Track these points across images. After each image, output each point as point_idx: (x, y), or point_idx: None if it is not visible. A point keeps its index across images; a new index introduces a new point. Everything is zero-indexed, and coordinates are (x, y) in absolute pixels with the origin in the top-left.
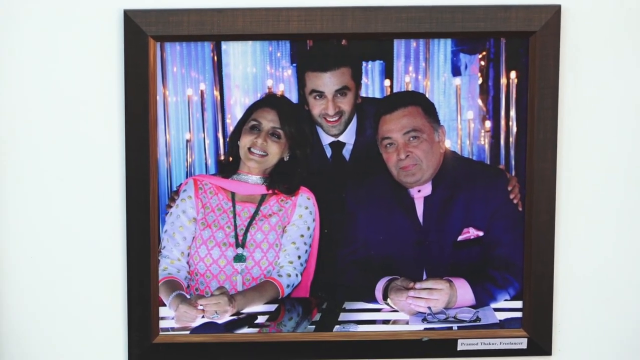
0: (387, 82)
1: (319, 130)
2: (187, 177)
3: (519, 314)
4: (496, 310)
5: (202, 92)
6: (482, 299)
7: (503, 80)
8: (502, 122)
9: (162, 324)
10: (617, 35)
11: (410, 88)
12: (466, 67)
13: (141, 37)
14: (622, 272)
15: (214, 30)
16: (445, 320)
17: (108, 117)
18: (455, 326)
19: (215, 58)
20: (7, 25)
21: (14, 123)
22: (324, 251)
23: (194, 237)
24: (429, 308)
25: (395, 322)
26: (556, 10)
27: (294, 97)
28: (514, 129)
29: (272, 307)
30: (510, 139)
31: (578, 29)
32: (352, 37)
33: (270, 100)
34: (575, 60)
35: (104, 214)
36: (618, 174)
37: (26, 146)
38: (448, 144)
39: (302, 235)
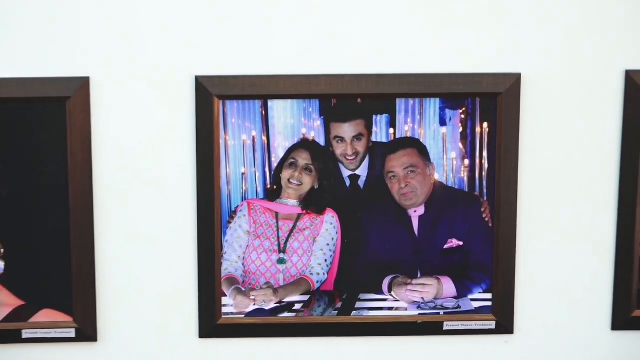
0: (391, 130)
1: (341, 166)
2: (242, 201)
3: (489, 303)
4: (472, 300)
5: (253, 137)
6: (462, 292)
7: (478, 130)
8: (477, 161)
9: (224, 309)
10: (564, 95)
11: (409, 135)
12: (450, 119)
13: (208, 96)
14: (568, 272)
15: (262, 92)
16: (434, 308)
17: (184, 156)
18: (441, 312)
19: (263, 112)
20: (109, 87)
21: (115, 161)
22: (344, 256)
23: (247, 245)
24: (422, 298)
25: (397, 309)
26: (517, 77)
27: (322, 141)
28: (485, 165)
29: (305, 298)
30: (483, 173)
31: (534, 91)
32: (365, 97)
33: (304, 144)
34: (531, 114)
35: (181, 228)
36: (566, 200)
37: (125, 179)
38: (437, 176)
39: (327, 244)
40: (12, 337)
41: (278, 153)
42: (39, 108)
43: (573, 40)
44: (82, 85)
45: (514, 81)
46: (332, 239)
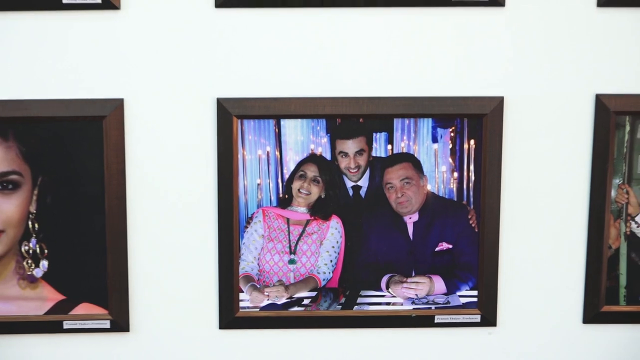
0: (389, 147)
1: (345, 178)
2: (257, 208)
3: (475, 299)
4: (460, 296)
5: (267, 152)
6: (451, 289)
7: (465, 146)
8: (465, 173)
9: (241, 304)
10: (542, 116)
11: (404, 150)
12: (441, 137)
13: (228, 116)
14: (544, 271)
15: (275, 112)
16: (427, 303)
17: (207, 167)
18: (433, 307)
19: (277, 130)
20: (141, 107)
21: (145, 171)
22: (347, 257)
23: (262, 247)
24: (416, 295)
25: (394, 304)
26: (500, 100)
27: (328, 156)
28: (472, 177)
29: (313, 294)
30: (470, 184)
31: (515, 112)
32: (366, 117)
33: (312, 158)
34: (513, 132)
35: (204, 232)
36: (543, 208)
37: (155, 188)
38: (429, 187)
39: (332, 247)
40: (54, 327)
41: (289, 166)
42: (80, 125)
43: (549, 67)
44: (117, 106)
45: (497, 103)
46: (337, 242)
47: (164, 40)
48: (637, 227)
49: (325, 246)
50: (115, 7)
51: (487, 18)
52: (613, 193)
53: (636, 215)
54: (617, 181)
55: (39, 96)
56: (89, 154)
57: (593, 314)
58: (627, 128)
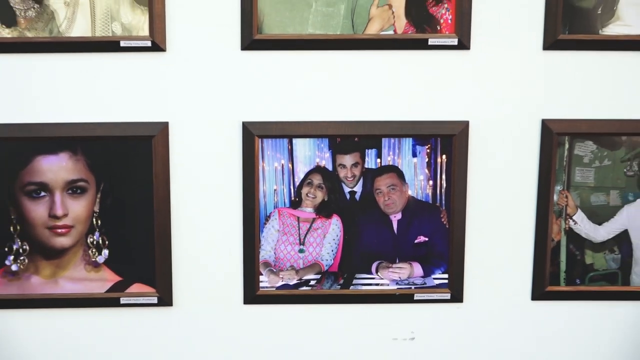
0: (378, 160)
1: (343, 185)
2: (274, 209)
3: (446, 281)
4: (434, 278)
5: (282, 164)
6: (427, 273)
7: (439, 160)
8: (438, 182)
9: (261, 284)
10: (499, 136)
11: (390, 163)
12: (419, 152)
13: (251, 135)
14: (501, 258)
15: (288, 133)
16: (408, 284)
17: (234, 176)
18: (412, 287)
19: (289, 147)
20: (182, 128)
21: (185, 179)
22: (345, 247)
23: (277, 240)
24: (399, 277)
25: (381, 284)
26: (466, 124)
27: (330, 167)
28: (444, 185)
29: (318, 276)
30: (442, 190)
31: (478, 133)
32: (360, 137)
33: (317, 169)
34: (476, 149)
35: (232, 227)
36: (500, 209)
37: (193, 192)
38: (410, 192)
39: (333, 239)
40: (113, 302)
41: (299, 175)
42: (134, 143)
43: (505, 98)
44: (163, 127)
45: (463, 127)
46: (337, 235)
47: (200, 76)
48: (574, 224)
49: (328, 239)
50: (162, 49)
51: (455, 58)
52: (555, 197)
53: (573, 215)
54: (558, 188)
55: (101, 119)
56: (140, 166)
57: (539, 292)
58: (566, 146)
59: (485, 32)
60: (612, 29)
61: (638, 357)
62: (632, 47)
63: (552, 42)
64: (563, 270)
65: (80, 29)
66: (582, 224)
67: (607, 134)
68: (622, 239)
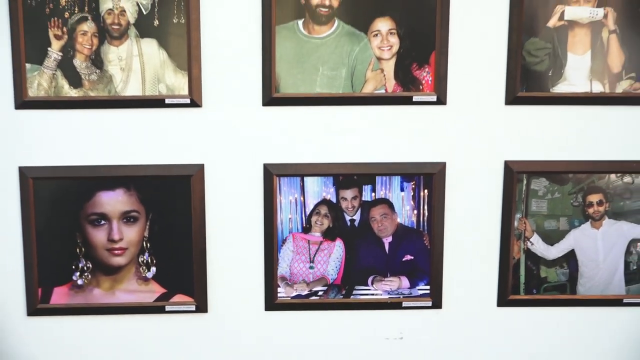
0: (373, 194)
1: (345, 214)
2: (289, 233)
3: (428, 291)
4: (419, 289)
5: (295, 198)
6: (413, 285)
7: (422, 194)
8: (421, 211)
9: (279, 294)
10: (469, 175)
11: (383, 196)
12: (406, 188)
13: (270, 174)
14: (473, 272)
15: (301, 172)
16: (397, 294)
17: (257, 207)
18: (401, 296)
19: (302, 184)
20: (215, 169)
21: (218, 211)
22: (347, 265)
23: (292, 258)
24: (390, 288)
25: (376, 294)
26: (443, 164)
27: (334, 200)
28: (426, 214)
29: (325, 288)
30: (425, 218)
31: (453, 171)
32: (358, 175)
33: (324, 201)
34: (452, 185)
35: (255, 249)
36: (471, 232)
37: (224, 223)
38: (399, 220)
39: (337, 258)
40: (159, 310)
41: (309, 206)
42: (175, 181)
43: (474, 142)
44: (199, 168)
45: (441, 167)
46: (340, 255)
47: (230, 126)
48: (531, 245)
49: (333, 257)
50: (199, 105)
51: (434, 112)
52: (516, 223)
53: (530, 237)
54: (518, 215)
55: (150, 162)
56: (181, 199)
57: (503, 300)
58: (524, 182)
59: (459, 91)
60: (560, 88)
61: (583, 351)
62: (576, 102)
63: (512, 99)
64: (522, 282)
65: (133, 90)
66: (538, 245)
67: (557, 172)
68: (570, 257)
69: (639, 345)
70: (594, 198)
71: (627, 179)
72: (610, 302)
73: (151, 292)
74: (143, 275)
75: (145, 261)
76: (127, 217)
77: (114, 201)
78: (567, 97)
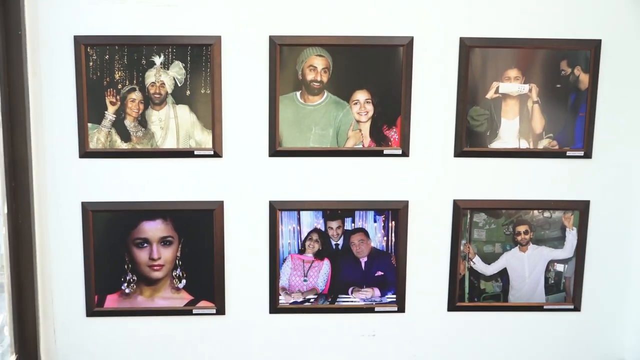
0: (353, 224)
1: (331, 240)
2: (288, 254)
3: (394, 299)
4: (387, 298)
5: (293, 227)
6: (383, 294)
7: (390, 225)
8: (390, 238)
9: (280, 301)
10: (425, 213)
11: (360, 226)
12: (378, 220)
13: (275, 209)
14: (429, 282)
15: (297, 208)
16: (371, 301)
17: (263, 235)
18: (374, 303)
19: (298, 216)
20: (233, 210)
21: (236, 239)
22: (332, 279)
23: (290, 274)
24: (366, 297)
25: (355, 301)
26: (406, 203)
27: (323, 229)
28: (393, 240)
29: (315, 296)
30: (392, 243)
31: (415, 208)
32: (342, 210)
33: (315, 230)
34: (414, 218)
35: (261, 265)
36: (428, 254)
37: (240, 246)
38: (372, 244)
39: (325, 273)
40: (188, 312)
41: (304, 234)
42: (201, 214)
43: (431, 185)
44: (220, 204)
45: (405, 204)
46: (327, 271)
47: (243, 172)
48: (474, 264)
49: (322, 273)
50: (220, 156)
51: (400, 162)
52: (462, 247)
53: (473, 258)
54: (463, 241)
55: (181, 199)
56: (206, 227)
57: (452, 306)
58: (468, 216)
59: (419, 146)
60: (496, 144)
61: (512, 344)
62: (508, 155)
63: (459, 152)
64: (467, 292)
65: (169, 144)
66: (478, 264)
67: (493, 208)
68: (503, 274)
69: (554, 340)
70: (522, 228)
71: (547, 214)
72: (534, 308)
73: (181, 299)
74: (176, 286)
75: (177, 275)
76: (164, 241)
77: (154, 229)
78: (501, 152)
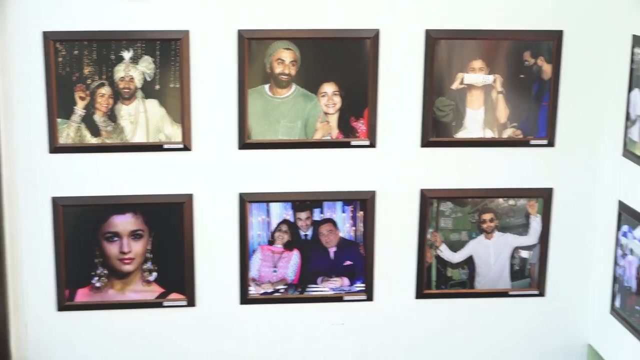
0: (321, 215)
1: (300, 230)
2: (258, 245)
3: (363, 288)
4: (356, 287)
5: (263, 219)
6: (352, 283)
7: (358, 214)
8: (358, 228)
9: (250, 291)
10: (392, 201)
11: (329, 217)
12: (346, 210)
13: (244, 201)
14: (394, 276)
15: (267, 199)
16: (340, 290)
17: (234, 227)
18: (343, 292)
19: (267, 208)
20: (202, 203)
21: (206, 232)
22: (302, 269)
23: (260, 264)
24: (335, 286)
25: (324, 291)
26: (374, 192)
27: (292, 220)
28: (361, 229)
29: (285, 286)
30: (359, 233)
31: (382, 198)
32: (310, 201)
33: (285, 221)
34: (381, 207)
35: (231, 258)
36: (395, 245)
37: (209, 239)
38: (341, 234)
39: (295, 263)
40: (158, 305)
41: (273, 225)
42: (170, 208)
43: (397, 174)
44: (189, 197)
45: (372, 195)
46: (297, 261)
47: (213, 164)
48: (441, 252)
49: (291, 263)
50: (189, 149)
51: (367, 153)
52: (429, 236)
53: (440, 246)
54: (430, 230)
55: (151, 192)
56: (176, 221)
57: (420, 294)
58: (435, 205)
59: (386, 137)
60: (461, 134)
61: (479, 328)
62: (473, 145)
63: (426, 142)
64: (434, 280)
65: (139, 138)
66: (445, 252)
67: (459, 197)
68: (469, 261)
69: (519, 325)
70: (487, 216)
71: (511, 202)
72: (499, 294)
73: (153, 292)
74: (146, 279)
75: (148, 268)
76: (135, 235)
77: (124, 222)
78: (467, 141)
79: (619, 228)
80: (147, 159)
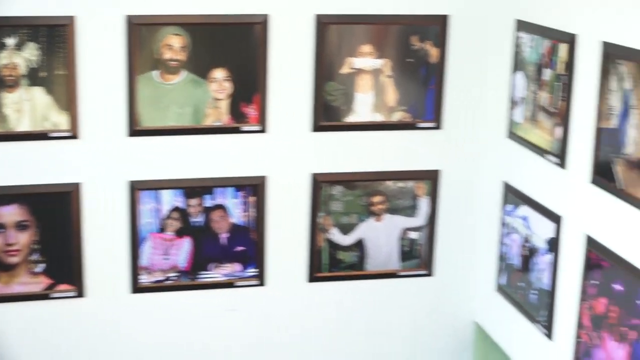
0: (212, 202)
1: (191, 217)
2: (148, 233)
3: (255, 273)
4: (248, 272)
5: (153, 206)
6: (244, 269)
7: (250, 200)
8: (249, 213)
9: (140, 280)
10: (285, 185)
11: (220, 203)
12: (238, 196)
13: (134, 189)
14: (291, 254)
15: (157, 186)
16: (232, 276)
17: (123, 215)
18: (236, 278)
19: (157, 195)
20: (93, 192)
21: (99, 211)
22: (194, 255)
23: (151, 252)
24: (227, 272)
25: (216, 277)
26: (264, 178)
27: (183, 207)
28: (253, 215)
29: (178, 274)
30: (251, 219)
31: (274, 183)
32: (201, 187)
33: (175, 209)
34: (272, 193)
35: (122, 246)
36: (289, 227)
37: (101, 229)
38: (233, 220)
39: (187, 251)
40: (45, 296)
41: (164, 212)
42: (58, 196)
43: (288, 158)
44: (77, 186)
45: (263, 180)
46: (188, 248)
47: (101, 152)
48: (332, 235)
49: (182, 251)
50: (76, 137)
51: (257, 138)
52: (320, 220)
53: (330, 230)
54: (322, 214)
55: (37, 182)
56: (63, 211)
57: (312, 277)
58: (325, 189)
59: (277, 122)
60: (351, 118)
61: (371, 308)
62: (363, 129)
63: (316, 127)
64: (325, 263)
65: (25, 127)
66: (336, 236)
67: (349, 180)
68: (360, 244)
69: (410, 304)
70: (377, 199)
71: (400, 184)
72: (389, 275)
73: (40, 284)
74: (33, 270)
75: (34, 260)
76: (20, 226)
77: (9, 214)
78: (356, 125)
79: (503, 208)
80: (32, 148)
